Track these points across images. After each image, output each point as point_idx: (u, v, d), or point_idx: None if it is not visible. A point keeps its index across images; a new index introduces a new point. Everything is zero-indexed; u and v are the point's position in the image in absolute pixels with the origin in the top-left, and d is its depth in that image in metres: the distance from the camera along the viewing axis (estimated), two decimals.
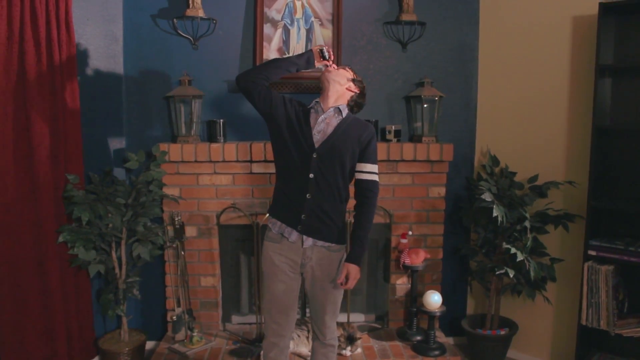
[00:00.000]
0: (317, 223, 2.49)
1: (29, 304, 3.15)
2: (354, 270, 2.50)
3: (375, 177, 2.55)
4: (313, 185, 2.47)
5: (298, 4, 3.54)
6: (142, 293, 3.58)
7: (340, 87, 2.57)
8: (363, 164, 2.54)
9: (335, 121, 2.54)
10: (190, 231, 3.56)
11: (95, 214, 3.20)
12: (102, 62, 3.44)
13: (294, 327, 2.71)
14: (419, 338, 3.53)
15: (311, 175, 2.47)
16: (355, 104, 2.63)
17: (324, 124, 2.53)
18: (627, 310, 3.11)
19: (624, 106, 3.12)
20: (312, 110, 2.58)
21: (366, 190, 2.53)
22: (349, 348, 3.31)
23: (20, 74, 3.03)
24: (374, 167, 2.56)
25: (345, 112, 2.58)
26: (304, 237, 2.50)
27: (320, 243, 2.52)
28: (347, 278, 2.50)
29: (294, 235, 2.51)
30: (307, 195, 2.47)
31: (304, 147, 2.48)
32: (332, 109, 2.55)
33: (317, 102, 2.59)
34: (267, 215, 2.63)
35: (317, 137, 2.50)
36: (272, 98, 2.53)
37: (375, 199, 2.55)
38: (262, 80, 2.52)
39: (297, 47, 3.56)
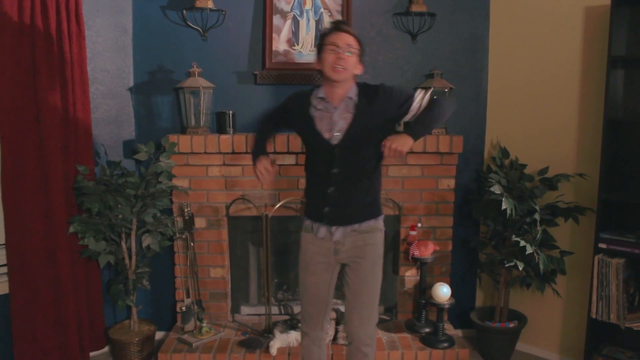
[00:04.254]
0: (342, 212, 2.43)
1: (40, 294, 3.18)
2: (402, 136, 2.27)
3: (426, 101, 2.36)
4: (337, 179, 2.39)
5: None
6: (152, 284, 3.60)
7: (349, 77, 2.39)
8: (407, 115, 2.38)
9: (350, 111, 2.37)
10: (199, 222, 3.57)
11: (105, 205, 3.21)
12: (112, 54, 3.46)
13: (327, 319, 2.66)
14: (427, 330, 3.53)
15: (335, 170, 2.39)
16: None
17: (342, 121, 2.36)
18: (638, 303, 3.09)
19: (636, 98, 3.08)
20: (319, 106, 2.40)
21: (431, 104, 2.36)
22: None
23: (31, 66, 3.04)
24: (416, 103, 2.35)
25: (355, 93, 2.39)
26: (332, 228, 2.45)
27: (349, 228, 2.45)
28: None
29: (322, 231, 2.47)
30: (329, 189, 2.41)
31: (323, 148, 2.39)
32: (343, 102, 2.38)
33: (321, 98, 2.40)
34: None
35: (339, 135, 2.35)
36: (284, 122, 2.55)
37: (440, 100, 2.39)
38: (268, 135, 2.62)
39: (306, 38, 3.55)
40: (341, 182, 2.40)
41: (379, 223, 2.52)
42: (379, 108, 2.36)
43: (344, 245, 2.47)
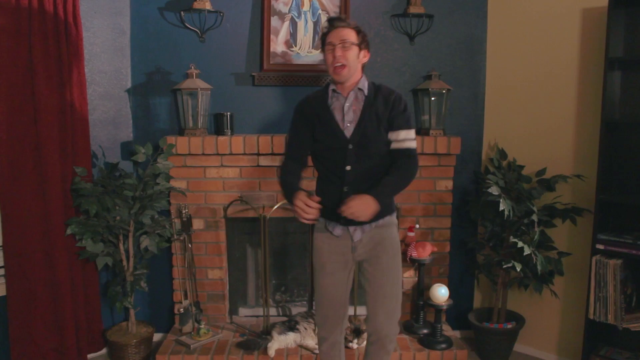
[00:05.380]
0: None
1: (37, 295, 3.18)
2: (365, 201, 2.24)
3: (408, 144, 2.37)
4: (351, 176, 2.37)
5: None
6: (150, 285, 3.59)
7: (357, 69, 2.39)
8: (392, 132, 2.37)
9: (360, 103, 2.38)
10: (197, 224, 3.57)
11: (102, 206, 3.21)
12: (110, 55, 3.45)
13: (345, 322, 2.62)
14: (425, 331, 3.54)
15: (348, 168, 2.36)
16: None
17: (351, 112, 2.37)
18: (635, 304, 3.09)
19: (634, 99, 3.09)
20: (333, 99, 2.42)
21: (397, 159, 2.39)
22: (355, 341, 3.31)
23: (28, 67, 3.04)
24: (405, 134, 2.37)
25: (365, 85, 2.41)
26: (351, 228, 2.42)
27: (367, 226, 2.43)
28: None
29: (338, 229, 2.45)
30: (345, 188, 2.38)
31: (339, 142, 2.36)
32: (352, 92, 2.39)
33: (333, 90, 2.42)
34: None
35: (350, 127, 2.36)
36: (306, 142, 2.47)
37: (409, 164, 2.38)
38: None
39: (304, 39, 3.55)
40: (355, 180, 2.37)
41: (393, 218, 2.52)
42: (383, 111, 2.37)
43: (362, 241, 2.45)
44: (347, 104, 2.38)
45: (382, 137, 2.38)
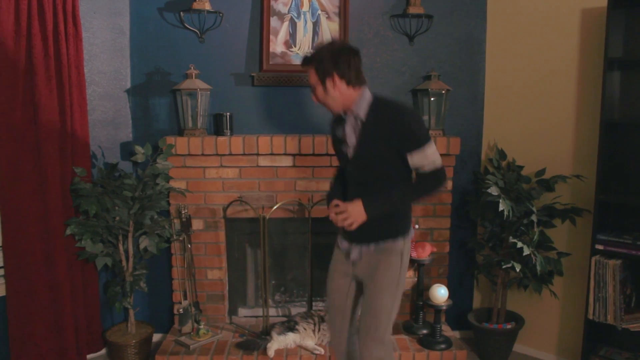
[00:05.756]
0: (358, 231, 2.30)
1: (37, 296, 3.18)
2: (356, 209, 2.22)
3: (428, 167, 2.23)
4: (351, 197, 2.32)
5: None
6: (149, 286, 3.59)
7: (339, 99, 2.27)
8: (409, 156, 2.22)
9: (358, 126, 2.29)
10: (196, 224, 3.57)
11: (102, 206, 3.21)
12: (109, 55, 3.45)
13: (352, 334, 2.56)
14: (425, 332, 3.54)
15: (350, 187, 2.38)
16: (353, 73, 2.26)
17: (353, 136, 2.30)
18: (635, 304, 3.10)
19: (633, 100, 3.09)
20: (346, 119, 2.35)
21: (419, 178, 2.29)
22: None
23: (28, 67, 3.04)
24: (419, 157, 2.21)
25: (363, 108, 2.27)
26: (352, 246, 2.41)
27: (365, 248, 2.38)
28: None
29: (345, 244, 2.47)
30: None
31: (345, 162, 2.39)
32: (350, 116, 2.30)
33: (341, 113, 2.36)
34: None
35: (350, 149, 2.32)
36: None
37: (426, 180, 2.25)
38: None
39: (303, 40, 3.55)
40: (357, 198, 2.29)
41: (396, 244, 2.36)
42: (385, 134, 2.21)
43: (361, 261, 2.42)
44: (347, 129, 2.31)
45: (382, 160, 2.26)
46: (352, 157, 2.32)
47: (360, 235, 2.36)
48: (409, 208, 2.45)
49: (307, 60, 2.28)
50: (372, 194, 2.27)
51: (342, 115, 2.35)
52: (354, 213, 2.23)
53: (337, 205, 2.30)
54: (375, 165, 2.28)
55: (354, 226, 2.24)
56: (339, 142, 2.41)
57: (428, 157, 2.22)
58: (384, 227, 2.35)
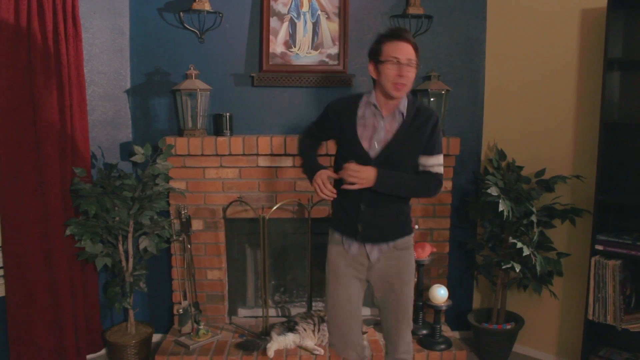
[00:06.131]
0: (376, 230, 2.33)
1: (37, 296, 3.17)
2: (368, 173, 2.20)
3: (437, 169, 2.32)
4: (369, 195, 2.28)
5: None
6: (149, 286, 3.59)
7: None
8: (426, 157, 2.31)
9: (396, 124, 2.27)
10: (196, 224, 3.57)
11: (102, 207, 3.21)
12: (109, 56, 3.45)
13: (360, 336, 2.51)
14: (425, 332, 3.53)
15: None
16: None
17: (383, 132, 2.26)
18: (634, 305, 3.10)
19: (633, 100, 3.09)
20: (366, 113, 2.29)
21: (423, 174, 2.34)
22: None
23: (27, 67, 3.04)
24: (436, 159, 2.32)
25: (405, 106, 2.28)
26: (367, 246, 2.35)
27: (385, 246, 2.36)
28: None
29: (355, 247, 2.37)
30: (362, 205, 2.30)
31: (361, 159, 2.25)
32: (392, 113, 2.27)
33: (374, 105, 2.27)
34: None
35: (377, 147, 2.25)
36: (326, 133, 2.43)
37: (432, 181, 2.32)
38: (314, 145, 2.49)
39: (303, 40, 3.55)
40: (374, 199, 2.29)
41: (411, 239, 2.44)
42: (421, 135, 2.27)
43: (380, 262, 2.38)
44: (383, 124, 2.27)
45: (411, 160, 2.31)
46: (379, 152, 2.26)
47: (378, 235, 2.35)
48: (410, 209, 2.45)
49: (414, 42, 2.23)
50: (390, 194, 2.30)
51: (372, 107, 2.28)
52: (364, 175, 2.20)
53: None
54: (403, 162, 2.29)
55: (354, 187, 2.21)
56: (351, 133, 2.29)
57: (440, 161, 2.34)
58: (400, 224, 2.38)
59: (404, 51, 2.18)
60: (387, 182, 2.24)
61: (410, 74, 2.20)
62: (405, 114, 2.27)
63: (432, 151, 2.31)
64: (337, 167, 2.38)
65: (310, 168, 2.40)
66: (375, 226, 2.33)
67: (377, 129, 2.27)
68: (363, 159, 2.25)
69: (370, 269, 2.40)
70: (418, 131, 2.27)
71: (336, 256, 2.43)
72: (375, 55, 2.25)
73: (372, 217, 2.32)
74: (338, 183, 2.35)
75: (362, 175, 2.20)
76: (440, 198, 3.60)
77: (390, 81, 2.18)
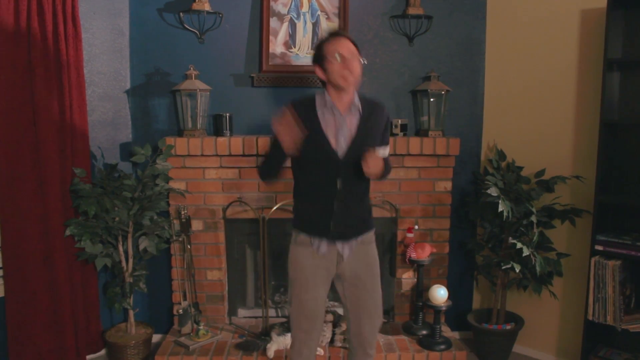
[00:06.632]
0: (347, 226, 2.36)
1: (36, 297, 3.17)
2: (375, 158, 2.24)
3: (387, 156, 2.45)
4: (342, 193, 2.31)
5: None
6: (149, 286, 3.59)
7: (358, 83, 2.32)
8: (380, 148, 2.37)
9: (355, 119, 2.31)
10: (196, 225, 3.57)
11: (101, 207, 3.21)
12: (109, 56, 3.45)
13: (321, 335, 2.56)
14: (424, 332, 3.53)
15: (339, 184, 2.30)
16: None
17: (346, 129, 2.29)
18: (634, 305, 3.10)
19: (633, 101, 3.09)
20: (325, 113, 2.30)
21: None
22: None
23: (27, 68, 3.04)
24: (387, 149, 2.46)
25: (359, 102, 2.33)
26: (338, 244, 2.37)
27: (354, 241, 2.39)
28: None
29: (324, 247, 2.37)
30: (335, 205, 2.32)
31: (328, 158, 2.28)
32: (349, 109, 2.31)
33: (331, 104, 2.29)
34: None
35: (343, 144, 2.28)
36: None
37: (389, 165, 2.45)
38: (277, 174, 2.44)
39: (303, 40, 3.55)
40: (346, 196, 2.33)
41: (373, 234, 2.51)
42: (378, 126, 2.38)
43: (348, 258, 2.40)
44: (344, 120, 2.30)
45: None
46: (347, 148, 2.28)
47: (347, 231, 2.38)
48: (371, 200, 2.55)
49: (352, 38, 2.30)
50: (363, 184, 2.40)
51: (329, 106, 2.29)
52: (378, 161, 2.26)
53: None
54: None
55: (372, 174, 2.26)
56: (316, 132, 2.27)
57: (389, 148, 2.49)
58: (365, 219, 2.45)
59: (346, 46, 2.26)
60: (385, 166, 2.37)
61: (356, 67, 2.26)
62: (360, 109, 2.34)
63: (386, 140, 2.44)
64: (300, 174, 2.40)
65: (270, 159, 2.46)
66: (346, 223, 2.37)
67: (339, 126, 2.30)
68: (330, 157, 2.29)
69: (340, 267, 2.42)
70: (375, 123, 2.37)
71: (303, 258, 2.41)
72: (319, 59, 2.30)
73: (343, 214, 2.35)
74: (305, 186, 2.40)
75: (377, 162, 2.25)
76: (440, 198, 3.60)
77: (338, 74, 2.24)
